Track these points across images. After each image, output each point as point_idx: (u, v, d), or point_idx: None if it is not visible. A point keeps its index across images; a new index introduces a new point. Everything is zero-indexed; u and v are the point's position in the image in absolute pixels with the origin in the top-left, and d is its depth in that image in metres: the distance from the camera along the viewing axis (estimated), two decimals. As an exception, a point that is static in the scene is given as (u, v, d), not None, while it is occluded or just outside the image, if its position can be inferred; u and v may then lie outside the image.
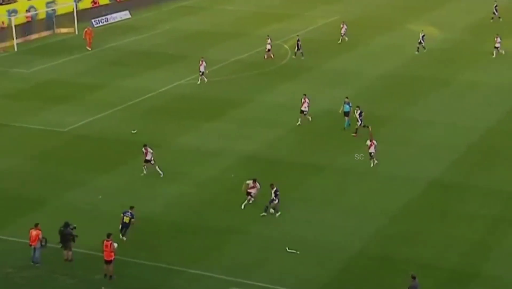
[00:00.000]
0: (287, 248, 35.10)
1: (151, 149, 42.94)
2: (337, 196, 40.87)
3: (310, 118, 50.36)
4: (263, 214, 38.24)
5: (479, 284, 32.82)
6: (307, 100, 50.12)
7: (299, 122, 50.14)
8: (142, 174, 43.02)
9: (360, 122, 48.02)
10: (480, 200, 40.23)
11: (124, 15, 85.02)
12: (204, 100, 56.28)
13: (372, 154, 43.70)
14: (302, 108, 50.11)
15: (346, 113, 49.50)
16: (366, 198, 40.49)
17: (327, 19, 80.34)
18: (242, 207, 38.73)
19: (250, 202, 38.88)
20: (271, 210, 38.39)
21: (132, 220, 35.60)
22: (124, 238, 35.54)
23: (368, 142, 43.71)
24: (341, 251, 35.14)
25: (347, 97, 50.05)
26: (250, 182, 38.83)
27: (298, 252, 34.92)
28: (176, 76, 61.63)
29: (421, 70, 63.55)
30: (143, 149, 42.91)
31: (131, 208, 35.95)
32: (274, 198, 38.11)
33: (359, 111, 48.15)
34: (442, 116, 52.61)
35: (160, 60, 67.18)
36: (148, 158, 42.83)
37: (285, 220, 38.11)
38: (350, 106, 49.44)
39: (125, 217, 35.66)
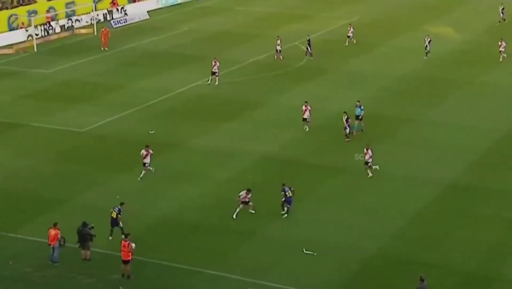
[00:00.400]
0: (303, 250, 35.17)
1: (151, 150, 43.01)
2: (354, 197, 40.86)
3: (307, 128, 49.26)
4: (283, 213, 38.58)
5: (498, 288, 32.73)
6: (308, 107, 49.29)
7: (306, 129, 49.47)
8: (151, 175, 43.05)
9: (348, 129, 47.55)
10: (498, 203, 40.07)
11: (143, 15, 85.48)
12: (221, 101, 56.43)
13: (369, 163, 42.71)
14: (305, 116, 49.31)
15: (357, 117, 49.02)
16: (383, 200, 40.46)
17: (346, 20, 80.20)
18: (234, 216, 38.33)
19: (251, 210, 38.67)
20: (285, 209, 38.58)
21: (119, 215, 35.78)
22: (110, 238, 35.61)
23: (365, 150, 42.80)
24: (358, 253, 35.15)
25: (358, 101, 49.71)
26: (243, 193, 38.49)
27: (315, 254, 34.97)
28: (194, 77, 61.78)
29: (439, 72, 63.39)
30: (144, 151, 42.82)
31: (121, 204, 36.24)
32: (291, 195, 38.33)
33: (346, 117, 47.64)
34: (460, 118, 52.45)
35: (178, 61, 67.41)
36: (147, 160, 42.73)
37: (302, 221, 38.17)
38: (362, 110, 49.10)
39: (113, 212, 35.89)
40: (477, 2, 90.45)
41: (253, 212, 38.60)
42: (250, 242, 36.31)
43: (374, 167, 42.74)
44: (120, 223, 35.86)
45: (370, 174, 42.74)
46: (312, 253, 34.97)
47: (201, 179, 43.17)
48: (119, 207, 36.14)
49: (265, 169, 44.26)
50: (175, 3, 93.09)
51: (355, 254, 35.03)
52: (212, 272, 33.63)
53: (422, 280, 30.45)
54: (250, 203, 38.52)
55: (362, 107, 49.13)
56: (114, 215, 35.91)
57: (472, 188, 41.91)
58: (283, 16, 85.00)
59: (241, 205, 38.38)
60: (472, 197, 40.83)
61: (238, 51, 69.92)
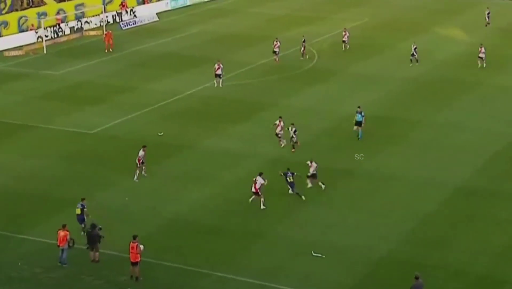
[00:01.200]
0: (312, 252, 35.10)
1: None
2: (364, 199, 40.77)
3: (283, 144, 47.62)
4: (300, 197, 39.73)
5: (507, 291, 32.66)
6: (281, 123, 47.67)
7: (282, 145, 47.76)
8: (145, 175, 43.09)
9: (294, 138, 46.60)
10: (509, 206, 39.90)
11: (152, 17, 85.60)
12: (230, 103, 56.45)
13: (315, 175, 41.47)
14: (277, 131, 47.69)
15: (358, 123, 48.39)
16: (393, 202, 40.35)
17: (355, 22, 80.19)
18: (262, 206, 39.09)
19: (262, 199, 39.03)
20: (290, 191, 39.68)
21: (85, 209, 35.94)
22: (82, 233, 35.38)
23: (308, 162, 41.76)
24: (367, 255, 35.06)
25: (359, 107, 49.11)
26: (259, 179, 39.09)
27: (324, 256, 34.88)
28: (203, 78, 61.75)
29: (449, 74, 63.23)
30: (142, 151, 42.88)
31: (83, 199, 36.45)
32: (292, 181, 39.75)
33: (293, 129, 46.59)
34: (470, 120, 52.27)
35: (187, 63, 67.46)
36: (144, 160, 42.86)
37: (311, 223, 38.11)
38: (362, 116, 48.50)
39: (77, 209, 36.01)
40: (484, 4, 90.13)
41: (263, 207, 39.07)
42: (258, 244, 36.25)
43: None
44: (86, 218, 35.85)
45: (324, 185, 41.86)
46: (320, 255, 34.90)
47: (210, 180, 43.17)
48: (82, 202, 36.30)
49: (274, 171, 44.10)
50: (184, 5, 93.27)
51: (363, 256, 34.94)
52: (220, 274, 33.60)
53: (417, 278, 30.36)
54: (262, 199, 38.68)
55: (363, 114, 48.36)
56: (78, 211, 36.11)
57: (482, 190, 41.73)
58: (293, 18, 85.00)
59: (253, 196, 38.87)
60: (482, 199, 40.67)
61: (247, 53, 69.94)
